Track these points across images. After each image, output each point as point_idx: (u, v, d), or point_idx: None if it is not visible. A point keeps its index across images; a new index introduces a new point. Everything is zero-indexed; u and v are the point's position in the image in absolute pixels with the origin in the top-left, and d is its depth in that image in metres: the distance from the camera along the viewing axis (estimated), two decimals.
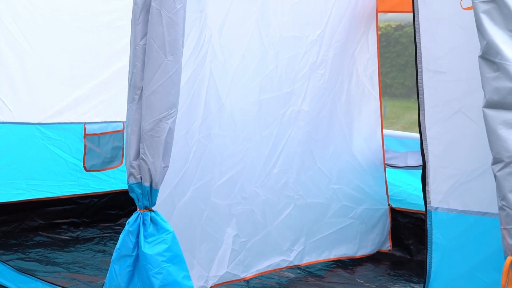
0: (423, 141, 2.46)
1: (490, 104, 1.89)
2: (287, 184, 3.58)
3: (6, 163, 4.25)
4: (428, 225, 2.47)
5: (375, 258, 4.15)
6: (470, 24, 2.04)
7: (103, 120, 4.74)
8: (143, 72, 2.48)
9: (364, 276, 3.81)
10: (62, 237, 4.45)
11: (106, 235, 4.57)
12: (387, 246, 4.27)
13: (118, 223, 4.82)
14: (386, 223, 4.22)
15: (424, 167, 2.49)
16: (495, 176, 1.93)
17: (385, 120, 4.53)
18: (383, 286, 3.63)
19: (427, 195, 2.48)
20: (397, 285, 3.67)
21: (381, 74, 4.22)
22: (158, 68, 2.42)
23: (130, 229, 2.50)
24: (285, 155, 3.52)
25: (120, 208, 4.87)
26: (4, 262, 3.61)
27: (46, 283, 3.33)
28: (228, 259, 3.29)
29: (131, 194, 2.55)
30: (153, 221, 2.50)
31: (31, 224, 4.49)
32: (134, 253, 2.50)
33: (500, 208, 1.92)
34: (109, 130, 4.79)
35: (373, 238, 4.16)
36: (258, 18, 3.22)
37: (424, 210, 2.51)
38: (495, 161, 1.91)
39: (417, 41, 2.47)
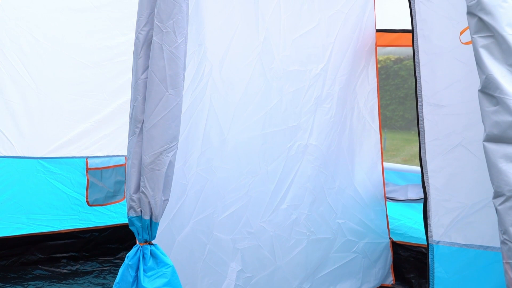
0: (424, 174, 2.46)
1: (490, 138, 1.89)
2: (298, 220, 3.54)
3: (7, 197, 4.24)
4: (430, 259, 2.46)
5: None
6: (470, 58, 2.06)
7: (105, 154, 4.75)
8: (144, 106, 2.48)
9: None
10: (62, 270, 4.42)
11: (106, 268, 4.54)
12: (390, 280, 4.23)
13: (117, 256, 4.79)
14: (388, 257, 4.19)
15: (425, 200, 2.49)
16: (496, 210, 1.92)
17: (385, 152, 4.55)
18: None
19: (428, 229, 2.47)
20: None
21: (380, 106, 4.24)
22: (159, 102, 2.42)
23: (130, 262, 2.48)
24: (294, 190, 3.49)
25: (120, 242, 4.84)
26: None
27: None
28: None
29: (131, 228, 2.53)
30: (152, 254, 2.48)
31: (30, 258, 4.47)
32: (134, 287, 2.47)
33: (502, 242, 1.91)
34: (112, 164, 4.79)
35: (376, 272, 4.13)
36: (261, 52, 3.23)
37: (425, 243, 2.50)
38: (496, 195, 1.91)
39: (417, 75, 2.49)
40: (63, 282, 4.10)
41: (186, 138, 2.91)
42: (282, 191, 3.43)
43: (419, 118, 2.47)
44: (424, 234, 2.70)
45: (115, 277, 2.56)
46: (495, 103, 1.86)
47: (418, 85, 2.47)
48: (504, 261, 1.92)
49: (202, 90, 2.96)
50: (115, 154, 4.81)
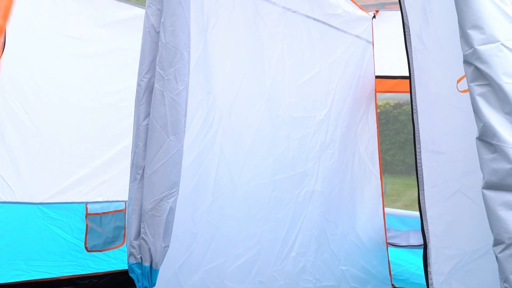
0: (424, 221, 2.46)
1: (489, 186, 1.89)
2: (305, 268, 3.52)
3: (6, 243, 4.21)
4: None
5: None
6: (467, 105, 2.07)
7: (105, 200, 4.74)
8: (145, 152, 2.50)
9: None
10: None
11: None
12: None
13: None
14: None
15: (425, 247, 2.47)
16: (496, 257, 1.91)
17: (386, 197, 4.55)
18: None
19: (429, 276, 2.46)
20: None
21: (381, 151, 4.27)
22: (160, 148, 2.44)
23: None
24: (301, 237, 3.47)
25: None
26: None
27: None
28: None
29: (131, 275, 2.52)
30: None
31: None
32: None
33: None
34: (111, 209, 4.78)
35: None
36: (268, 99, 3.26)
37: None
38: (496, 243, 1.90)
39: (415, 121, 2.51)
40: None
41: (195, 186, 2.89)
42: (292, 239, 3.41)
43: (418, 164, 2.48)
44: None
45: None
46: (493, 150, 1.87)
47: (416, 132, 2.49)
48: None
49: (212, 138, 2.95)
50: (115, 200, 4.80)
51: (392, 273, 4.16)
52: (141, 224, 2.45)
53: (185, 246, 2.87)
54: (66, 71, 4.38)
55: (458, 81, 2.30)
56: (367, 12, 4.35)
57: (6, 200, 4.16)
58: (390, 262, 4.16)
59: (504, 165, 1.85)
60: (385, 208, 4.23)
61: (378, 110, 4.34)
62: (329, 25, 3.78)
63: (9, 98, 4.10)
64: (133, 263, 2.49)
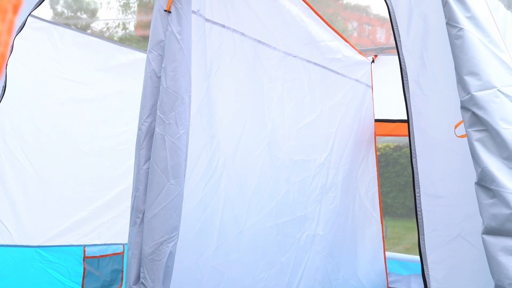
0: (424, 266, 2.44)
1: (489, 231, 1.89)
2: None
3: (3, 286, 4.17)
4: None
5: None
6: (465, 150, 2.08)
7: (103, 243, 4.71)
8: (145, 196, 2.50)
9: None
10: None
11: None
12: None
13: None
14: None
15: None
16: None
17: (387, 241, 4.52)
18: None
19: None
20: None
21: (381, 194, 4.27)
22: (161, 192, 2.44)
23: None
24: (304, 282, 3.44)
25: None
26: None
27: None
28: None
29: None
30: None
31: None
32: None
33: None
34: (109, 252, 4.75)
35: None
36: (269, 142, 3.28)
37: None
38: None
39: (414, 166, 2.51)
40: None
41: (200, 231, 2.87)
42: (295, 284, 3.38)
43: (417, 208, 2.47)
44: None
45: None
46: (492, 196, 1.87)
47: (415, 176, 2.49)
48: None
49: (217, 182, 2.95)
50: (113, 242, 4.77)
51: None
52: (141, 268, 2.43)
53: None
54: (66, 115, 4.42)
55: (456, 127, 2.31)
56: (366, 57, 4.41)
57: (4, 243, 4.14)
58: None
59: (503, 210, 1.85)
60: (386, 252, 4.21)
61: (378, 153, 4.36)
62: (329, 69, 3.83)
63: (9, 140, 4.13)
64: None
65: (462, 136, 2.25)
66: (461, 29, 1.91)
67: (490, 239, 1.88)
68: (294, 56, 3.52)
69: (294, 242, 3.41)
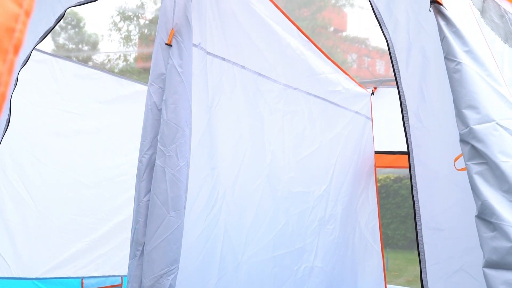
0: None
1: (490, 264, 1.88)
2: None
3: None
4: None
5: None
6: (466, 183, 2.08)
7: (101, 274, 4.68)
8: (145, 228, 2.49)
9: None
10: None
11: None
12: None
13: None
14: None
15: None
16: None
17: (388, 273, 4.49)
18: None
19: None
20: None
21: (382, 225, 4.25)
22: (161, 224, 2.43)
23: None
24: None
25: None
26: None
27: None
28: None
29: None
30: None
31: None
32: None
33: None
34: (108, 284, 4.71)
35: None
36: (268, 174, 3.28)
37: None
38: None
39: (415, 198, 2.51)
40: None
41: (201, 264, 2.85)
42: None
43: (419, 241, 2.47)
44: None
45: None
46: (492, 229, 1.86)
47: (416, 209, 2.49)
48: None
49: (217, 214, 2.94)
50: (111, 274, 4.74)
51: None
52: None
53: None
54: (66, 146, 4.43)
55: (455, 160, 2.32)
56: (365, 89, 4.44)
57: (2, 276, 4.11)
58: None
59: (504, 244, 1.84)
60: (387, 285, 4.18)
61: (379, 184, 4.36)
62: (330, 101, 3.85)
63: (8, 172, 4.13)
64: None
65: (462, 169, 2.25)
66: (459, 63, 1.93)
67: (491, 272, 1.87)
68: (295, 89, 3.54)
69: (292, 274, 3.39)
